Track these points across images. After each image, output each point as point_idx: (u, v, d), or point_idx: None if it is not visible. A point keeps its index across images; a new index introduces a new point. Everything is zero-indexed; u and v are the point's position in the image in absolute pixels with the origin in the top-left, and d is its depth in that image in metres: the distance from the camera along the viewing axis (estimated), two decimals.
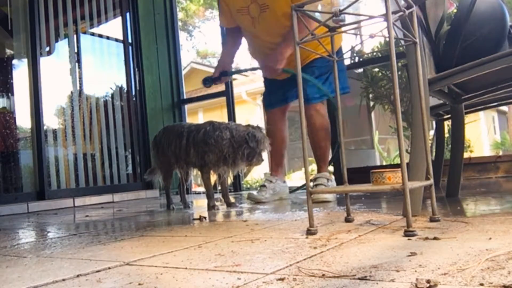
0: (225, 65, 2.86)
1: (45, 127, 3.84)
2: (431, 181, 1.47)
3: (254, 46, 2.91)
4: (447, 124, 2.91)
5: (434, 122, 2.70)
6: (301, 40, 1.48)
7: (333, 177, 2.89)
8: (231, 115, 4.43)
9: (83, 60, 4.40)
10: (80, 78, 4.30)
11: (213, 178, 2.78)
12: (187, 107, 4.98)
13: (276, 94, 2.90)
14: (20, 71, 4.00)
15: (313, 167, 3.35)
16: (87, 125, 4.29)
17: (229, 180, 5.15)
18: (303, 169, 1.57)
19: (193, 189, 5.06)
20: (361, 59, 4.33)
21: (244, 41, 2.96)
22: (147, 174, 2.87)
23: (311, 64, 2.72)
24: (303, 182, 2.79)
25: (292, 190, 3.35)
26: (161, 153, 2.62)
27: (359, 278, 0.84)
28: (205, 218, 2.05)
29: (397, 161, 5.87)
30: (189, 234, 1.58)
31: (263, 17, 2.64)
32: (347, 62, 4.18)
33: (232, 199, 2.74)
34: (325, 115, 2.77)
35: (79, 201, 3.76)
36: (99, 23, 4.62)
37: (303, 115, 1.54)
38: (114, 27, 4.74)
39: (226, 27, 2.94)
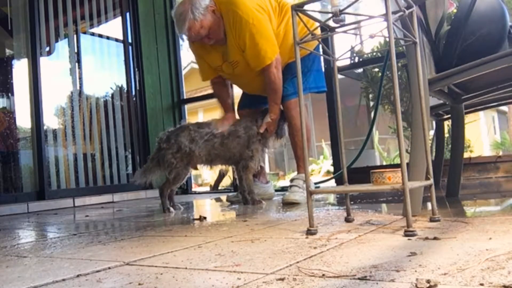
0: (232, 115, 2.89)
1: (45, 127, 3.83)
2: (431, 181, 1.47)
3: (238, 85, 3.07)
4: (447, 124, 2.91)
5: (434, 122, 2.70)
6: (301, 40, 1.48)
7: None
8: None
9: (83, 60, 4.39)
10: (80, 78, 4.30)
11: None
12: (187, 107, 4.98)
13: (248, 97, 3.03)
14: (20, 71, 4.00)
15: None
16: (87, 125, 4.29)
17: (229, 180, 5.16)
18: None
19: (193, 189, 5.07)
20: (361, 59, 4.32)
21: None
22: (139, 177, 2.59)
23: (291, 63, 2.76)
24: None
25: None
26: (183, 154, 2.51)
27: (359, 278, 0.84)
28: (205, 218, 2.05)
29: (397, 161, 5.87)
30: (189, 234, 1.59)
31: (238, 71, 2.75)
32: (347, 62, 4.20)
33: (256, 197, 2.67)
34: (298, 113, 2.77)
35: (79, 201, 3.76)
36: (99, 23, 4.62)
37: (303, 115, 1.54)
38: (114, 27, 4.74)
39: (208, 79, 2.94)
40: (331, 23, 1.62)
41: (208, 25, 2.56)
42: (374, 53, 4.64)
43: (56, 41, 4.27)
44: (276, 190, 3.41)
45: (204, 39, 2.64)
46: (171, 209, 2.56)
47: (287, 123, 2.77)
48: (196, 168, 2.72)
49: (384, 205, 2.21)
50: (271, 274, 0.92)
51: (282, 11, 2.70)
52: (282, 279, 0.88)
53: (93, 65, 4.59)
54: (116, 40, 4.70)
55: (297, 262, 1.01)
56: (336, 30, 1.60)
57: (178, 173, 2.53)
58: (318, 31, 2.45)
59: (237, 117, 2.89)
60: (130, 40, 4.68)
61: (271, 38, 2.57)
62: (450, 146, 2.38)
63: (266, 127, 2.63)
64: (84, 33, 4.46)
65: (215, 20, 2.57)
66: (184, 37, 2.68)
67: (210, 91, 4.25)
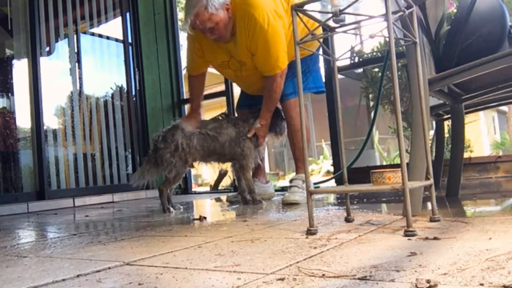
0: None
1: (45, 127, 3.83)
2: (431, 181, 1.47)
3: (239, 84, 3.03)
4: (447, 124, 2.91)
5: (434, 122, 2.70)
6: (301, 40, 1.48)
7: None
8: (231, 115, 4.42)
9: (83, 60, 4.39)
10: (80, 78, 4.30)
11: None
12: (187, 107, 4.97)
13: (247, 97, 3.02)
14: (20, 71, 4.00)
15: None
16: (87, 125, 4.29)
17: (229, 180, 5.16)
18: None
19: (193, 189, 5.07)
20: (361, 59, 4.32)
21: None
22: (137, 179, 2.59)
23: (292, 63, 2.75)
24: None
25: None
26: (181, 152, 2.51)
27: (359, 278, 0.84)
28: (205, 218, 2.05)
29: (397, 161, 5.87)
30: (189, 234, 1.59)
31: (244, 70, 2.72)
32: (347, 62, 4.20)
33: (257, 196, 2.66)
34: (298, 113, 2.74)
35: (79, 201, 3.76)
36: (99, 23, 4.62)
37: (303, 115, 1.54)
38: (114, 27, 4.74)
39: (197, 72, 2.83)
40: (331, 23, 1.62)
41: (217, 21, 2.48)
42: (374, 53, 4.64)
43: (56, 41, 4.27)
44: (276, 190, 3.41)
45: (206, 32, 2.56)
46: (171, 209, 2.56)
47: (285, 121, 2.77)
48: (192, 166, 2.72)
49: (384, 205, 2.21)
50: (271, 274, 0.92)
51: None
52: (282, 279, 0.88)
53: (93, 65, 4.59)
54: (116, 40, 4.70)
55: (297, 262, 1.01)
56: (336, 30, 1.60)
57: (178, 172, 2.54)
58: (318, 31, 2.45)
59: (202, 117, 2.82)
60: (130, 40, 4.68)
61: (284, 47, 2.53)
62: (450, 146, 2.38)
63: (254, 132, 2.61)
64: (84, 33, 4.46)
65: (225, 19, 2.51)
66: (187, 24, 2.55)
67: (210, 91, 4.24)
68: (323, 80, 3.03)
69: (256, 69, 2.65)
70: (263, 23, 2.46)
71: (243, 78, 2.84)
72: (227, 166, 2.98)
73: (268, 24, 2.46)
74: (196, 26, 2.53)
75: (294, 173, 2.84)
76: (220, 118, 2.72)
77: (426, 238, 1.17)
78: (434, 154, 2.63)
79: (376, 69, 5.01)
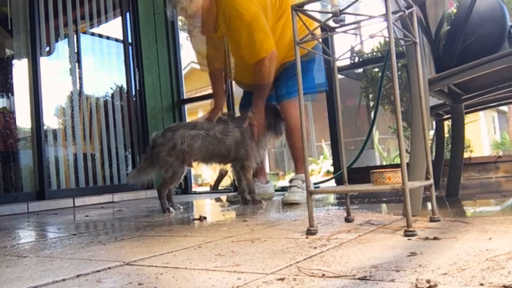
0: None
1: (45, 127, 3.83)
2: (431, 181, 1.47)
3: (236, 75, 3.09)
4: (447, 124, 2.91)
5: (434, 122, 2.70)
6: (301, 40, 1.48)
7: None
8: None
9: (83, 60, 4.39)
10: (80, 78, 4.29)
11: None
12: (187, 107, 4.98)
13: (249, 97, 3.01)
14: (20, 71, 4.00)
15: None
16: (87, 125, 4.29)
17: (229, 180, 5.16)
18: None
19: (193, 189, 5.06)
20: (361, 59, 4.32)
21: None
22: (133, 177, 2.60)
23: (287, 63, 2.76)
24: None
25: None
26: (179, 151, 2.49)
27: (359, 278, 0.84)
28: (205, 218, 2.05)
29: (397, 161, 5.87)
30: (189, 234, 1.59)
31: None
32: (347, 62, 4.20)
33: (257, 197, 2.66)
34: (297, 114, 2.77)
35: (79, 201, 3.76)
36: (99, 23, 4.62)
37: (303, 115, 1.54)
38: (114, 27, 4.74)
39: (213, 71, 2.97)
40: (331, 23, 1.62)
41: (196, 7, 2.54)
42: (374, 53, 4.64)
43: (56, 41, 4.27)
44: (276, 190, 3.41)
45: (189, 21, 2.62)
46: (171, 209, 2.55)
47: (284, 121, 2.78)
48: (191, 166, 2.71)
49: (384, 205, 2.21)
50: (271, 274, 0.92)
51: (281, 7, 2.69)
52: (282, 279, 0.88)
53: (93, 65, 4.59)
54: (116, 40, 4.70)
55: (297, 262, 1.01)
56: (336, 30, 1.60)
57: (175, 172, 2.51)
58: (318, 31, 2.45)
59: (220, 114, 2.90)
60: (130, 40, 4.68)
61: (268, 32, 2.56)
62: (450, 146, 2.38)
63: (249, 121, 2.60)
64: (84, 33, 4.46)
65: (206, 7, 2.56)
66: (173, 13, 2.65)
67: (210, 91, 4.23)
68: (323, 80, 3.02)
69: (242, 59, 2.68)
70: (242, 10, 2.51)
71: (240, 68, 2.87)
72: (227, 166, 2.98)
73: (247, 10, 2.51)
74: (178, 14, 2.64)
75: (294, 173, 2.84)
76: (224, 117, 2.71)
77: (426, 238, 1.17)
78: (434, 154, 2.63)
79: (376, 69, 5.01)
